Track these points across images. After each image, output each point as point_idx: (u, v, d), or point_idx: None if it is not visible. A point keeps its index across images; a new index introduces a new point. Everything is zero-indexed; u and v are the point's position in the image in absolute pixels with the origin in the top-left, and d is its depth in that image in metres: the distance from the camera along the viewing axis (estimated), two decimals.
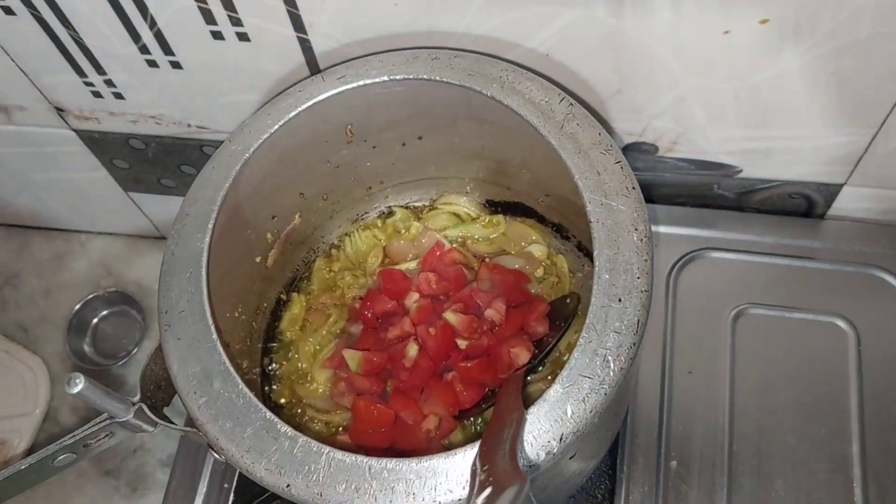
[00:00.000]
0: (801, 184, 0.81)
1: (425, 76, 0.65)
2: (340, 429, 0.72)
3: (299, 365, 0.76)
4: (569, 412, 0.52)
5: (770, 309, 0.79)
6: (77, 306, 1.07)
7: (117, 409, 0.58)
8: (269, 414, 0.55)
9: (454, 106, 0.69)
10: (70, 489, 0.99)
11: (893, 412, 0.74)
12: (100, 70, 0.80)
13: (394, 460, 0.52)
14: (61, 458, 0.59)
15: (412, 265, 0.79)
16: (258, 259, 0.74)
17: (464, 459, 0.52)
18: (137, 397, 0.59)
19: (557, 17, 0.66)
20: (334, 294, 0.78)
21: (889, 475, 0.71)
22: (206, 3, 0.69)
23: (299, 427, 0.66)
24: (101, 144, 0.92)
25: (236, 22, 0.71)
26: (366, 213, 0.83)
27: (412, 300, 0.74)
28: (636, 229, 0.57)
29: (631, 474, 0.74)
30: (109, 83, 0.82)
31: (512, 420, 0.50)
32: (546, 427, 0.52)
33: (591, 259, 0.74)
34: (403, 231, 0.81)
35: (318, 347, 0.76)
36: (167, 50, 0.76)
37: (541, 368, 0.71)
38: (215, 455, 0.57)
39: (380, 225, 0.82)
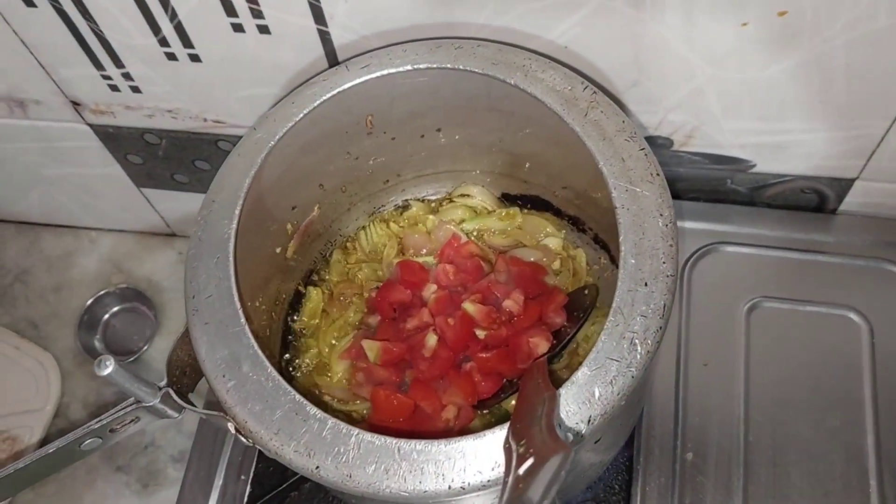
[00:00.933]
0: (814, 178, 0.82)
1: (449, 65, 0.66)
2: (359, 419, 0.72)
3: (318, 356, 0.76)
4: (596, 394, 0.53)
5: (783, 302, 0.80)
6: (88, 302, 1.07)
7: (144, 394, 0.58)
8: (298, 396, 0.55)
9: (474, 97, 0.70)
10: (80, 485, 0.99)
11: None
12: (118, 63, 0.80)
13: (423, 442, 0.53)
14: (87, 442, 0.59)
15: (429, 259, 0.79)
16: (278, 250, 0.74)
17: (494, 441, 0.52)
18: (164, 382, 0.60)
19: (577, 8, 0.67)
20: (353, 285, 0.79)
21: None
22: None
23: None
24: (115, 139, 0.93)
25: (257, 14, 0.71)
26: (382, 207, 0.83)
27: (430, 291, 0.75)
28: (661, 215, 0.58)
29: (647, 466, 0.74)
30: (127, 76, 0.82)
31: (543, 399, 0.51)
32: (574, 409, 0.52)
33: (608, 251, 0.76)
34: (420, 224, 0.82)
35: (336, 338, 0.76)
36: (187, 42, 0.76)
37: (557, 360, 0.71)
38: (242, 439, 0.57)
39: (396, 218, 0.83)
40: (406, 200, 0.83)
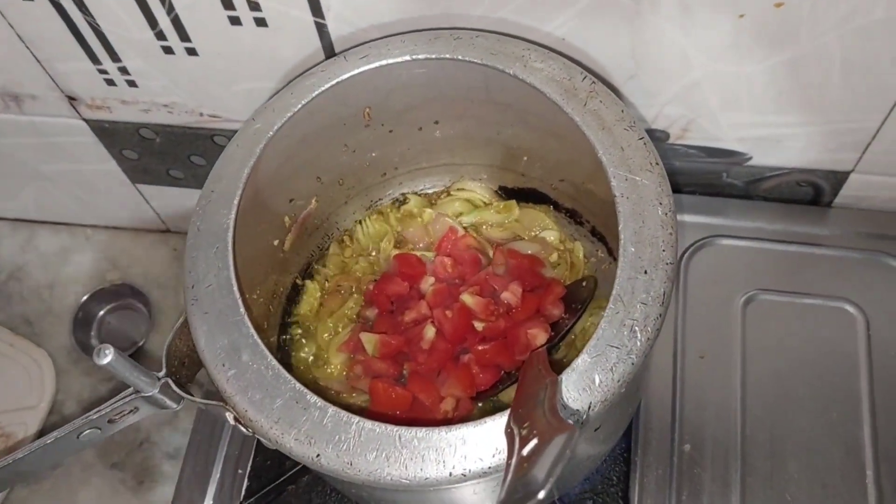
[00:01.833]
0: (810, 171, 0.82)
1: (448, 56, 0.66)
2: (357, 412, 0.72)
3: (316, 349, 0.76)
4: (597, 381, 0.53)
5: (780, 295, 0.80)
6: (83, 299, 1.07)
7: (143, 384, 0.58)
8: (298, 385, 0.55)
9: (472, 89, 0.70)
10: (76, 482, 0.99)
11: None
12: (114, 57, 0.80)
13: (424, 429, 0.53)
14: (86, 432, 0.59)
15: (427, 253, 0.79)
16: (276, 242, 0.74)
17: (495, 427, 0.52)
18: (163, 372, 0.60)
19: (575, 0, 0.67)
20: (350, 278, 0.79)
21: None
22: None
23: None
24: (111, 134, 0.92)
25: (255, 6, 0.71)
26: (379, 200, 0.83)
27: (427, 284, 0.75)
28: (661, 203, 0.58)
29: (645, 458, 0.75)
30: (123, 70, 0.82)
31: (545, 385, 0.51)
32: (574, 396, 0.52)
33: (605, 244, 0.76)
34: (417, 217, 0.82)
35: (334, 331, 0.76)
36: (183, 36, 0.76)
37: (555, 352, 0.71)
38: (242, 429, 0.57)
39: (393, 211, 0.83)
40: (403, 194, 0.83)
